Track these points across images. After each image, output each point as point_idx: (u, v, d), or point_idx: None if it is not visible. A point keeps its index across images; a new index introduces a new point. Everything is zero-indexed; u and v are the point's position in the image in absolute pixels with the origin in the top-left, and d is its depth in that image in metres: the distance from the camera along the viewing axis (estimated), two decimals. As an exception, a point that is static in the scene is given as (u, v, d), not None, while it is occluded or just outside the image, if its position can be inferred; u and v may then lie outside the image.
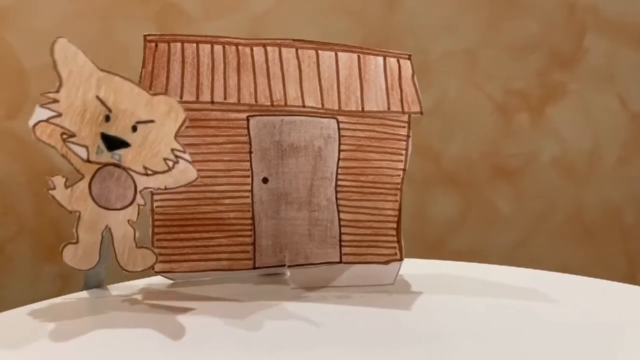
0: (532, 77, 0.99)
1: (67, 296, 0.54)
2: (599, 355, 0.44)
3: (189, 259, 0.57)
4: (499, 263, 0.69)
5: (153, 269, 0.56)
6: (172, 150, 0.51)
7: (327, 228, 0.58)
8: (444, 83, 0.97)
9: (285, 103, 0.56)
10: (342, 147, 0.58)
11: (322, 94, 0.57)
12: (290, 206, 0.58)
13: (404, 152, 0.58)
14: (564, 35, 0.99)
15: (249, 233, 0.58)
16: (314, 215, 0.58)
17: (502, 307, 0.53)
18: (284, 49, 0.57)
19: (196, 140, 0.56)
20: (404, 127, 0.59)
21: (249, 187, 0.57)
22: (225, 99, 0.56)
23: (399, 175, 0.58)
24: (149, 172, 0.51)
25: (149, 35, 0.56)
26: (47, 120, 0.50)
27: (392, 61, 0.59)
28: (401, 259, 0.58)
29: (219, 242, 0.57)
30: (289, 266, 0.58)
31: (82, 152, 0.51)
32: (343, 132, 0.58)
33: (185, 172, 0.52)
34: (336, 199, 0.58)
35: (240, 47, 0.57)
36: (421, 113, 0.58)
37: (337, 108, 0.57)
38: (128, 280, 0.58)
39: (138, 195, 0.52)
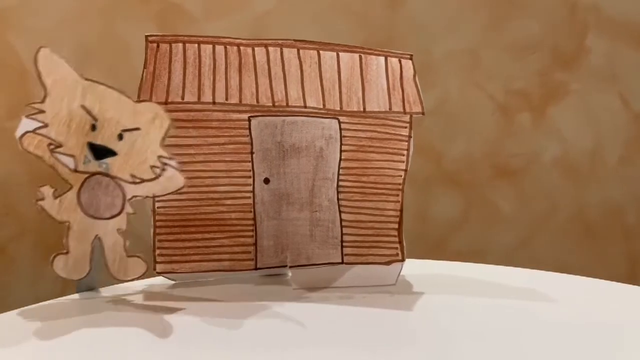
0: (533, 77, 0.99)
1: (69, 297, 0.55)
2: (599, 356, 0.44)
3: (190, 259, 0.57)
4: (501, 263, 0.69)
5: (155, 268, 0.56)
6: (159, 157, 0.51)
7: (328, 229, 0.58)
8: (446, 83, 0.97)
9: (287, 103, 0.56)
10: (344, 147, 0.58)
11: (323, 95, 0.57)
12: (291, 207, 0.58)
13: (405, 152, 0.58)
14: (566, 35, 0.99)
15: (250, 234, 0.58)
16: (316, 216, 0.58)
17: (504, 307, 0.53)
18: (285, 50, 0.57)
19: (198, 140, 0.56)
20: (406, 127, 0.59)
21: (250, 188, 0.57)
22: (226, 99, 0.56)
23: (401, 176, 0.58)
24: (137, 180, 0.51)
25: (150, 35, 0.56)
26: (33, 131, 0.50)
27: (393, 61, 0.59)
28: (403, 260, 0.58)
29: (221, 242, 0.57)
30: (291, 267, 0.58)
31: (70, 162, 0.51)
32: (344, 133, 0.58)
33: (173, 179, 0.52)
34: (338, 199, 0.58)
35: (241, 48, 0.57)
36: (423, 113, 0.58)
37: (338, 108, 0.57)
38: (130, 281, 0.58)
39: (127, 204, 0.52)
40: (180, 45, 0.56)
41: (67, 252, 0.52)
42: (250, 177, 0.57)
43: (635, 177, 1.01)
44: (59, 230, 0.52)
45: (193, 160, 0.56)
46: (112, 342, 0.45)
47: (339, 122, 0.57)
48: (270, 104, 0.56)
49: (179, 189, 0.52)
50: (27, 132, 0.50)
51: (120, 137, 0.51)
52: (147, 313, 0.51)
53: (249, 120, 0.56)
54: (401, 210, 0.58)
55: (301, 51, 0.57)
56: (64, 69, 0.50)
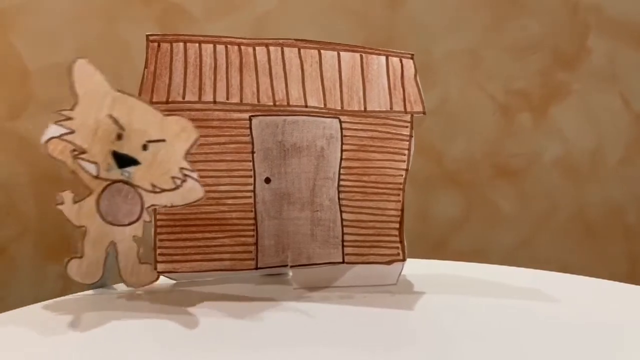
0: (534, 77, 0.99)
1: (70, 296, 0.55)
2: (601, 355, 0.44)
3: (191, 259, 0.57)
4: (501, 263, 0.69)
5: (155, 268, 0.56)
6: (181, 169, 0.52)
7: (329, 228, 0.58)
8: (447, 83, 0.97)
9: (288, 103, 0.56)
10: (345, 147, 0.58)
11: (324, 94, 0.57)
12: (292, 206, 0.58)
13: (406, 152, 0.58)
14: (567, 35, 0.99)
15: (251, 233, 0.58)
16: (317, 216, 0.58)
17: (504, 307, 0.53)
18: (286, 49, 0.57)
19: (198, 140, 0.56)
20: (407, 126, 0.59)
21: (251, 187, 0.57)
22: (227, 99, 0.56)
23: (402, 175, 0.58)
24: (157, 189, 0.52)
25: (151, 35, 0.56)
26: (59, 137, 0.51)
27: (394, 61, 0.59)
28: (404, 259, 0.58)
29: (222, 242, 0.57)
30: (292, 266, 0.58)
31: (92, 169, 0.52)
32: (345, 132, 0.58)
33: (192, 190, 0.53)
34: (339, 199, 0.58)
35: (242, 47, 0.57)
36: (424, 113, 0.58)
37: (339, 108, 0.57)
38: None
39: (145, 212, 0.53)
40: (181, 44, 0.56)
41: (81, 257, 0.53)
42: (251, 176, 0.57)
43: (635, 177, 1.01)
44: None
45: (194, 159, 0.56)
46: (112, 341, 0.45)
47: (340, 122, 0.57)
48: (271, 104, 0.56)
49: (197, 200, 0.53)
50: (52, 137, 0.51)
51: (145, 147, 0.52)
52: (147, 313, 0.51)
53: (250, 120, 0.57)
54: (402, 210, 0.58)
55: (302, 50, 0.57)
56: (96, 79, 0.51)
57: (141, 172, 0.52)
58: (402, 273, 0.58)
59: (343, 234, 0.58)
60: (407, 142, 0.59)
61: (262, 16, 0.92)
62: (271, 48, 0.57)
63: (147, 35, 0.56)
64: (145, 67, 0.55)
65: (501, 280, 0.61)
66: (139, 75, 0.55)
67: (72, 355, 0.43)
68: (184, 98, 0.55)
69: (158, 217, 0.56)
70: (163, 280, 0.58)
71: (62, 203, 0.52)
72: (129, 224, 0.53)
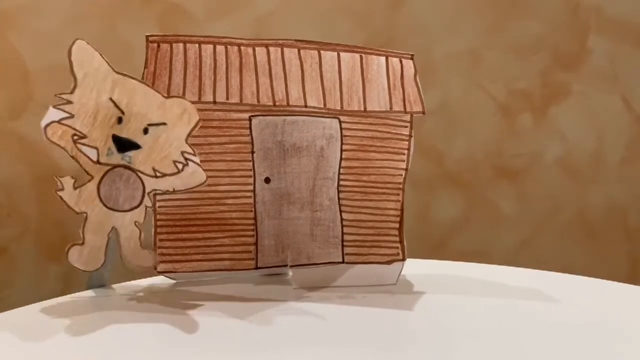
0: (535, 77, 0.99)
1: (71, 295, 0.55)
2: (601, 356, 0.43)
3: (191, 259, 0.57)
4: (502, 263, 0.69)
5: (156, 268, 0.56)
6: (182, 152, 0.51)
7: (329, 228, 0.58)
8: (447, 83, 0.97)
9: (288, 103, 0.56)
10: (345, 147, 0.58)
11: (324, 94, 0.57)
12: (292, 206, 0.58)
13: (406, 151, 0.58)
14: (568, 35, 0.99)
15: (251, 233, 0.58)
16: (317, 215, 0.58)
17: (505, 307, 0.53)
18: (286, 49, 0.57)
19: (198, 140, 0.56)
20: (406, 126, 0.59)
21: (251, 187, 0.57)
22: (227, 99, 0.56)
23: (401, 175, 0.58)
24: (158, 174, 0.52)
25: (151, 35, 0.56)
26: (59, 122, 0.50)
27: (394, 61, 0.59)
28: (404, 259, 0.58)
29: (222, 242, 0.57)
30: (291, 266, 0.58)
31: (92, 154, 0.51)
32: (345, 132, 0.58)
33: (194, 175, 0.52)
34: (338, 198, 0.58)
35: (242, 48, 0.57)
36: (423, 113, 0.58)
37: (339, 108, 0.57)
38: (131, 280, 0.58)
39: (146, 197, 0.52)
40: (181, 45, 0.56)
41: (82, 243, 0.52)
42: (251, 176, 0.57)
43: (637, 178, 1.01)
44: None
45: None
46: (112, 341, 0.45)
47: (340, 122, 0.57)
48: (271, 104, 0.56)
49: (200, 184, 0.52)
50: (52, 121, 0.50)
51: (146, 131, 0.51)
52: (147, 313, 0.51)
53: (250, 120, 0.57)
54: (402, 210, 0.58)
55: (302, 51, 0.57)
56: (96, 61, 0.50)
57: (142, 156, 0.51)
58: (402, 273, 0.58)
59: (343, 233, 0.58)
60: (407, 142, 0.59)
61: (262, 17, 0.92)
62: (271, 48, 0.57)
63: (147, 36, 0.56)
64: (145, 67, 0.55)
65: (501, 281, 0.61)
66: (139, 76, 0.55)
67: (72, 355, 0.43)
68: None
69: (158, 217, 0.56)
70: (163, 280, 0.58)
71: (62, 189, 0.51)
72: (130, 210, 0.52)
